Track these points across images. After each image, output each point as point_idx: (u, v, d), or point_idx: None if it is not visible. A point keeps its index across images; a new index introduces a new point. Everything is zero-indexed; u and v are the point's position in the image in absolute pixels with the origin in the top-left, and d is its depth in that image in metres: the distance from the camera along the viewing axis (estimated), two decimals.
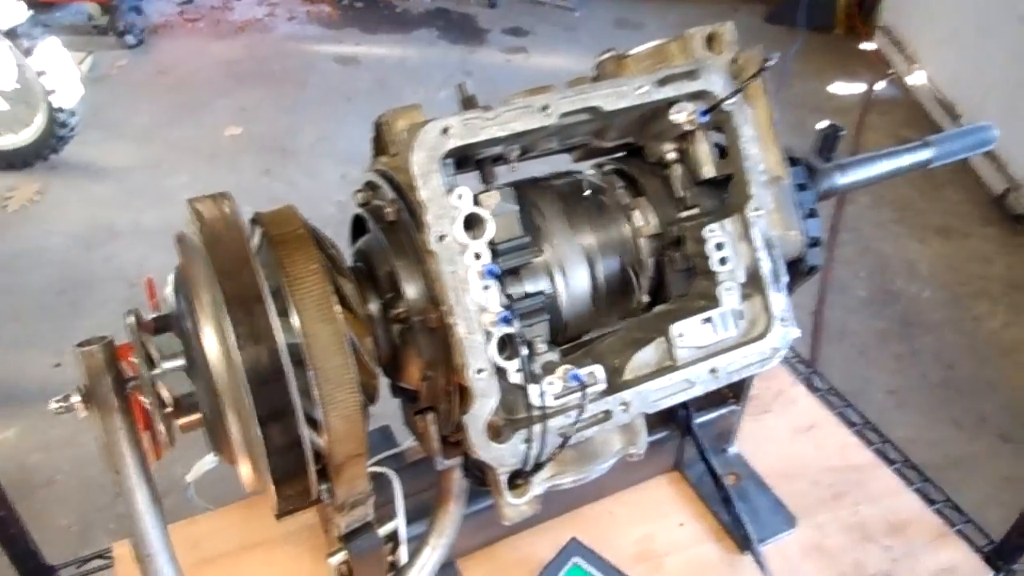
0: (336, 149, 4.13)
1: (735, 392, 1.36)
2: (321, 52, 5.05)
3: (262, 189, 3.85)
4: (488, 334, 0.82)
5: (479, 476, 0.92)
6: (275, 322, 0.76)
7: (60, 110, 3.74)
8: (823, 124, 1.22)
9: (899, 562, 1.30)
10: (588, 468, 0.89)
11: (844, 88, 5.12)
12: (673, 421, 1.33)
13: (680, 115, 0.93)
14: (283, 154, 4.08)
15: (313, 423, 0.82)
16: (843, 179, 1.16)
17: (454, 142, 0.83)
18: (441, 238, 0.81)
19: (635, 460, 0.93)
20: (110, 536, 2.13)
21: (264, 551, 1.29)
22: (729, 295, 0.93)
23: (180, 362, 0.83)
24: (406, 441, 1.34)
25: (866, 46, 5.65)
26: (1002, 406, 3.18)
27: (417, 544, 1.07)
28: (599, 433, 0.87)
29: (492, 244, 0.84)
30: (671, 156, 0.98)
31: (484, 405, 0.81)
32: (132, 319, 0.83)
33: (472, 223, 0.84)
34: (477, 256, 0.82)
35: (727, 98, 0.91)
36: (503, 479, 0.83)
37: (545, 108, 0.85)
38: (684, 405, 1.31)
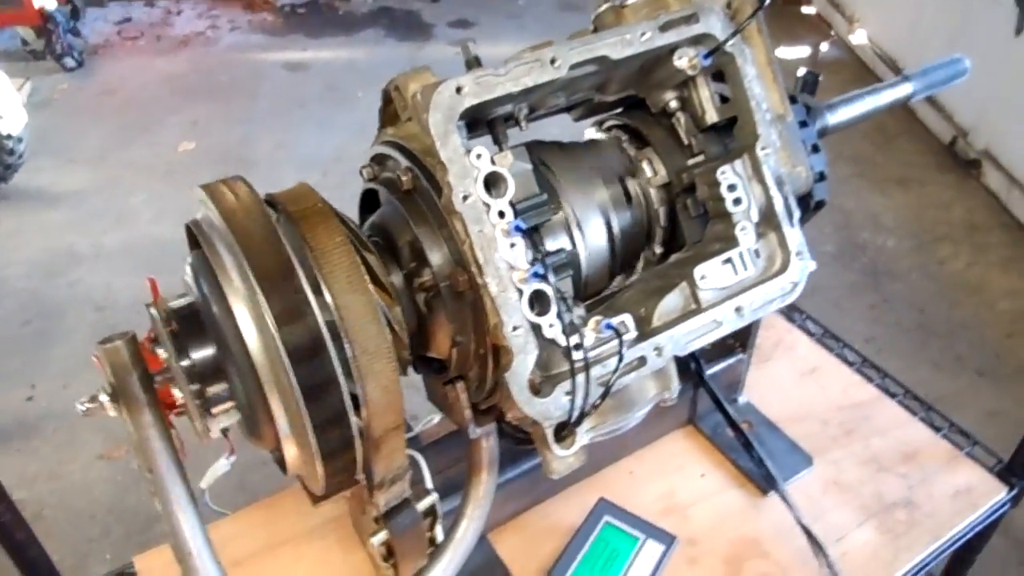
0: (295, 156, 4.09)
1: (741, 342, 1.38)
2: (268, 60, 4.98)
3: None
4: (519, 291, 0.82)
5: (519, 437, 0.92)
6: (311, 296, 0.75)
7: (7, 137, 3.63)
8: (802, 71, 1.24)
9: (916, 488, 1.33)
10: (626, 416, 0.90)
11: (789, 52, 5.21)
12: (686, 374, 1.34)
13: (683, 60, 0.93)
14: (241, 165, 4.01)
15: (352, 398, 0.81)
16: (833, 119, 1.18)
17: (469, 100, 0.82)
18: (465, 198, 0.81)
19: (669, 404, 0.94)
20: (106, 565, 2.08)
21: (292, 548, 1.27)
22: (745, 235, 0.94)
23: (210, 350, 0.82)
24: (418, 426, 1.34)
25: (807, 10, 5.75)
26: (975, 343, 3.27)
27: (453, 518, 1.07)
28: (635, 380, 0.88)
29: (512, 204, 0.84)
30: (673, 105, 0.99)
31: (524, 361, 0.81)
32: (154, 311, 0.82)
33: (491, 182, 0.83)
34: (501, 215, 0.82)
35: (729, 39, 0.92)
36: (550, 433, 0.83)
37: (554, 61, 0.85)
38: (695, 358, 1.33)
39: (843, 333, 1.66)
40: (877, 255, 3.65)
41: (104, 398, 0.81)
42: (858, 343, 3.39)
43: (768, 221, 0.95)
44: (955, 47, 4.22)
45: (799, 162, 0.98)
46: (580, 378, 0.83)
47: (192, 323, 0.82)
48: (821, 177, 1.01)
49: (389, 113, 0.98)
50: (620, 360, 0.84)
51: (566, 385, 0.83)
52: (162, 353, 0.82)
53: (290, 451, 0.81)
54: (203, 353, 0.82)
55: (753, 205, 0.94)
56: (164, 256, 3.31)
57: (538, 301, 0.83)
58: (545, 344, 0.84)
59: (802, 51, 5.20)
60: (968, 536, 1.28)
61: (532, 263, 0.84)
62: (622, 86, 1.00)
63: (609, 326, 0.85)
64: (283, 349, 0.74)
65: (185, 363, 0.81)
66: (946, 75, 1.29)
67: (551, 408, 0.83)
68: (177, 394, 0.82)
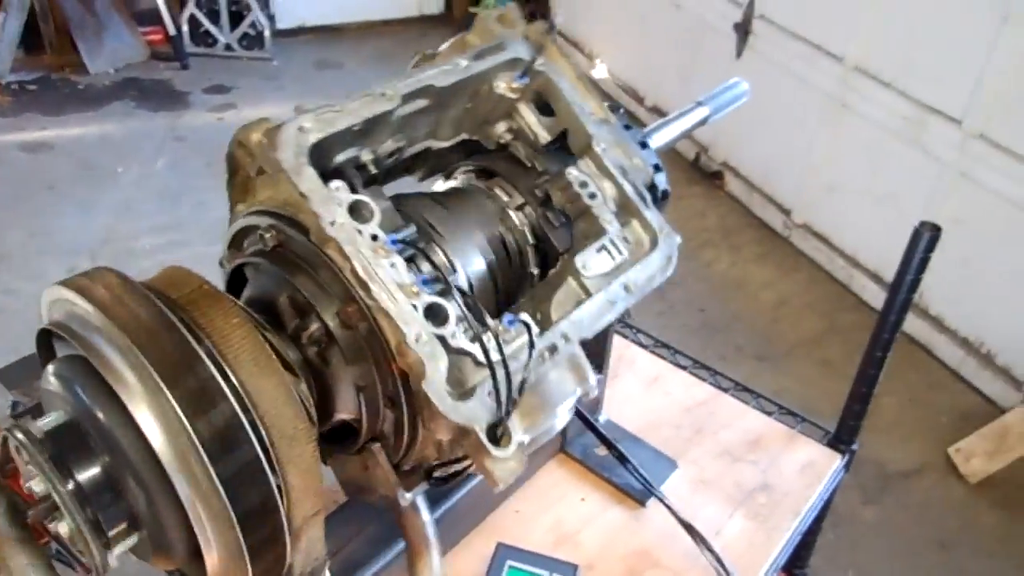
0: (55, 243, 3.69)
1: (597, 363, 1.44)
2: (1, 142, 4.47)
3: None
4: (414, 305, 0.81)
5: (444, 478, 0.90)
6: (221, 382, 0.69)
7: None
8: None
9: (768, 471, 1.46)
10: (552, 412, 0.90)
11: None
12: None
13: (501, 84, 1.01)
14: None
15: None
16: (652, 143, 1.29)
17: (314, 136, 0.84)
18: (333, 223, 0.80)
19: (591, 397, 0.97)
20: None
21: None
22: (609, 223, 1.00)
23: (97, 468, 0.72)
24: None
25: None
26: (749, 332, 3.65)
27: None
28: (553, 371, 0.90)
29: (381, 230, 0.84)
30: (507, 136, 1.06)
31: (436, 368, 0.79)
32: (20, 435, 0.71)
33: (356, 209, 0.83)
34: (374, 238, 0.81)
35: (535, 59, 1.01)
36: (483, 436, 0.81)
37: (385, 94, 0.88)
38: None
39: (639, 340, 1.79)
40: None
41: None
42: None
43: (626, 208, 1.03)
44: (686, 73, 4.74)
45: (634, 155, 1.07)
46: (501, 372, 0.82)
47: (70, 441, 0.72)
48: (657, 168, 1.10)
49: (237, 185, 0.93)
50: (532, 346, 0.85)
51: (487, 386, 0.82)
52: (36, 486, 0.71)
53: (212, 559, 0.74)
54: (88, 473, 0.72)
55: (608, 196, 1.01)
56: None
57: (435, 313, 0.82)
58: (454, 356, 0.82)
59: None
60: (821, 506, 1.42)
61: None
62: (455, 130, 1.04)
63: (512, 321, 0.87)
64: (199, 445, 0.67)
65: (70, 487, 0.71)
66: (732, 97, 1.45)
67: (477, 409, 0.81)
68: (61, 528, 0.71)
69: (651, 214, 1.03)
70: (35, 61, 5.28)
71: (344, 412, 0.89)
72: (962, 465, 2.94)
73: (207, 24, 5.71)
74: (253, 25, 5.77)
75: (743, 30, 4.13)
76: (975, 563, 2.70)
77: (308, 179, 0.81)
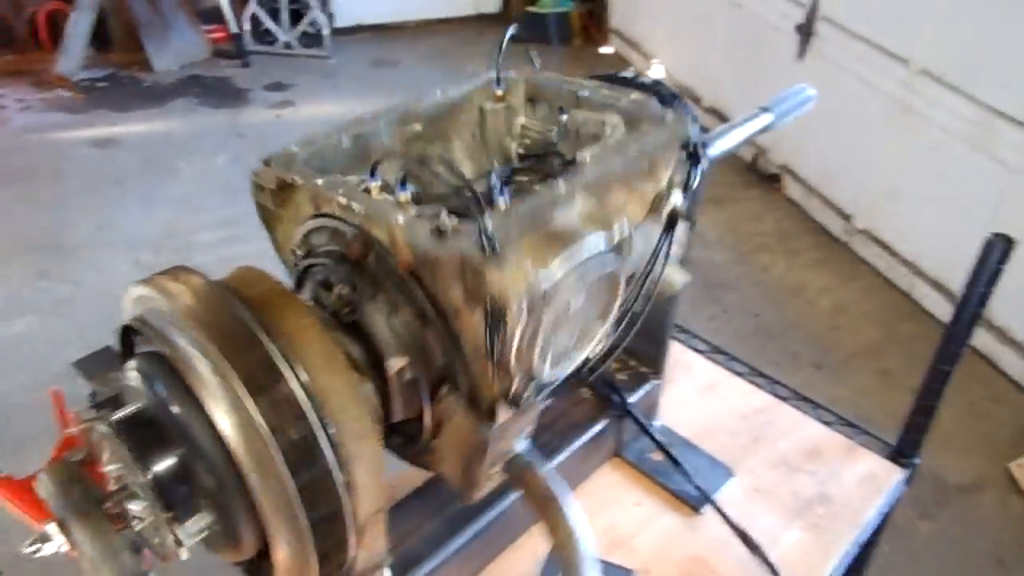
0: (121, 235, 3.81)
1: (655, 368, 1.44)
2: (70, 139, 4.63)
3: (42, 294, 3.46)
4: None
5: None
6: (295, 386, 0.71)
7: None
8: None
9: (827, 483, 1.44)
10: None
11: None
12: (609, 406, 1.38)
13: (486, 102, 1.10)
14: (59, 252, 3.69)
15: None
16: (712, 151, 1.28)
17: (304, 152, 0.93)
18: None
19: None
20: None
21: None
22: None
23: (172, 460, 0.75)
24: None
25: (605, 50, 6.14)
26: (806, 339, 3.59)
27: None
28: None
29: None
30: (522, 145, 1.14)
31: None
32: (105, 427, 0.74)
33: None
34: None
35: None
36: (474, 246, 0.78)
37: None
38: (616, 390, 1.38)
39: (694, 345, 1.77)
40: (709, 270, 3.92)
41: (53, 529, 0.72)
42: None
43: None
44: (746, 74, 4.68)
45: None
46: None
47: (147, 433, 0.75)
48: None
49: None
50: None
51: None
52: (114, 475, 0.74)
53: (280, 554, 0.76)
54: (165, 464, 0.75)
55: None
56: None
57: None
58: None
59: None
60: (880, 519, 1.40)
61: None
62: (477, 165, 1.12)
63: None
64: (276, 448, 0.69)
65: (148, 478, 0.73)
66: (797, 102, 1.43)
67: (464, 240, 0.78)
68: (137, 515, 0.74)
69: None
70: (104, 59, 5.47)
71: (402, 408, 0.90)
72: (1023, 480, 2.85)
73: (268, 22, 5.84)
74: (312, 24, 5.89)
75: (805, 31, 4.06)
76: None
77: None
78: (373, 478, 0.79)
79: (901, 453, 1.48)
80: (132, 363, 0.78)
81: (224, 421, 0.69)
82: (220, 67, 5.62)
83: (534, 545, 1.28)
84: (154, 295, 0.74)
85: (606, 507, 1.38)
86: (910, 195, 3.67)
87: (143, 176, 4.31)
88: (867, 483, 1.43)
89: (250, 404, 0.69)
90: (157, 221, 3.94)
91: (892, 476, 1.45)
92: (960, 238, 3.43)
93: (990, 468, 2.95)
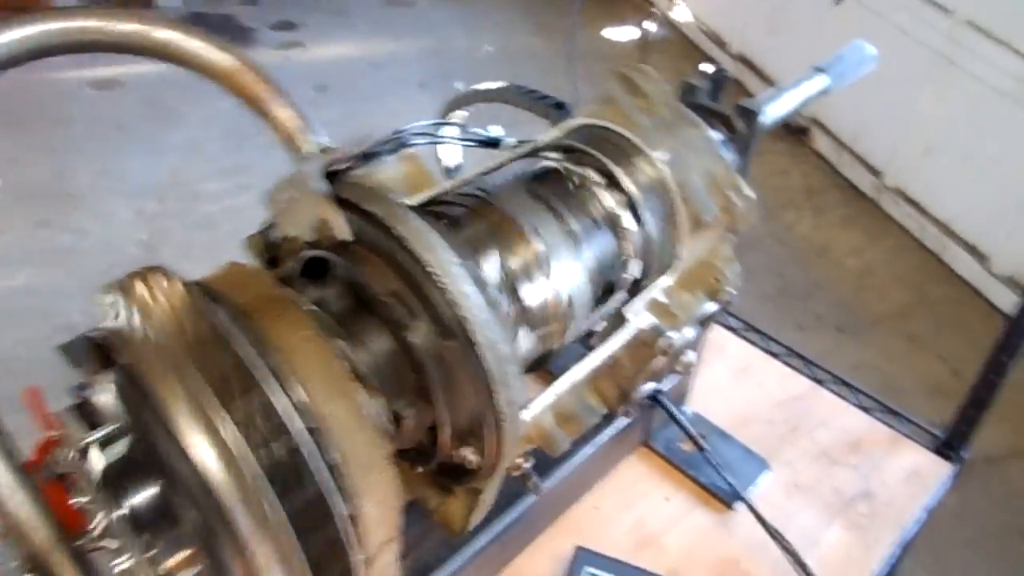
0: (124, 184, 3.68)
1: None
2: (72, 79, 4.45)
3: (43, 243, 3.35)
4: None
5: None
6: (286, 408, 0.61)
7: None
8: (710, 68, 1.20)
9: (870, 477, 1.34)
10: None
11: (616, 33, 5.32)
12: None
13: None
14: (60, 200, 3.56)
15: None
16: (767, 119, 1.15)
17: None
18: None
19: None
20: None
21: None
22: None
23: (151, 490, 0.65)
24: None
25: None
26: (831, 301, 3.47)
27: None
28: None
29: None
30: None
31: None
32: (76, 455, 0.63)
33: None
34: None
35: None
36: None
37: None
38: None
39: (727, 322, 1.66)
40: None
41: None
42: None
43: None
44: (776, 19, 4.46)
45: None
46: None
47: (126, 466, 0.65)
48: None
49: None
50: None
51: None
52: (83, 501, 0.64)
53: None
54: (143, 496, 0.65)
55: None
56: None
57: None
58: None
59: (627, 31, 5.32)
60: (925, 518, 1.30)
61: None
62: None
63: None
64: (259, 473, 0.59)
65: (123, 512, 0.63)
66: (857, 61, 1.29)
67: None
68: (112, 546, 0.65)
69: None
70: None
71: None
72: None
73: None
74: None
75: None
76: None
77: None
78: (384, 509, 0.69)
79: (949, 446, 1.37)
80: (111, 380, 0.67)
81: (200, 447, 0.58)
82: (226, 4, 5.40)
83: (553, 546, 1.19)
84: (124, 303, 0.63)
85: (634, 502, 1.28)
86: (947, 153, 3.49)
87: (146, 121, 4.16)
88: (913, 479, 1.33)
89: (229, 427, 0.58)
90: (161, 168, 3.81)
91: (939, 471, 1.35)
92: (998, 201, 3.29)
93: (1020, 441, 2.86)
